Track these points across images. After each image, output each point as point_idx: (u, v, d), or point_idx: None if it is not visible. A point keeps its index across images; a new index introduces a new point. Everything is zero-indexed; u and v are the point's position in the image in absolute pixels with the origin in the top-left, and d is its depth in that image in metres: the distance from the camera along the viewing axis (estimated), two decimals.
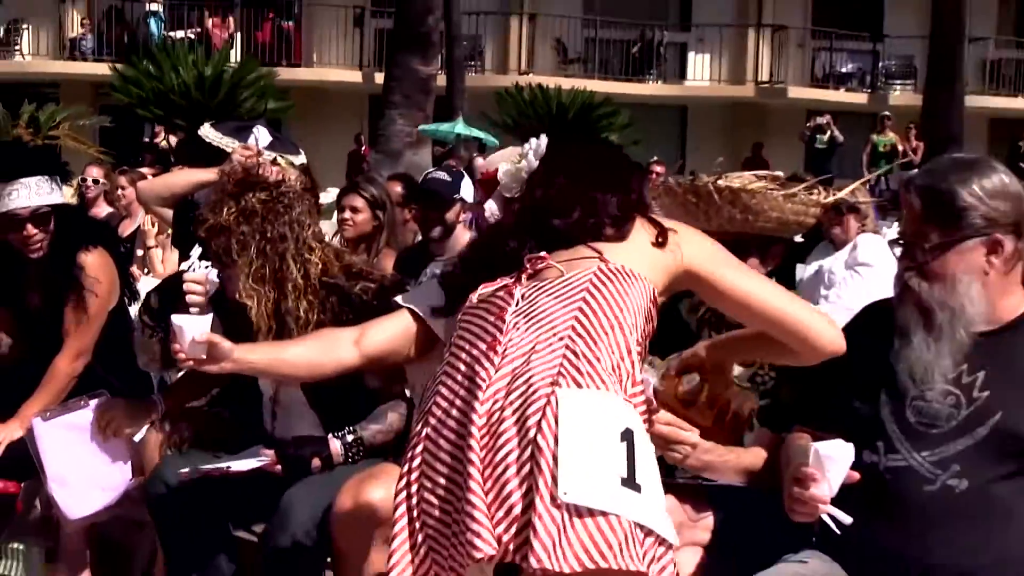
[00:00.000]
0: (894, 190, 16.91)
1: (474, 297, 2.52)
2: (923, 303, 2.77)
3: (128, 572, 4.57)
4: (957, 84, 21.87)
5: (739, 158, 21.38)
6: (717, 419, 2.82)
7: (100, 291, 4.40)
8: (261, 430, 3.92)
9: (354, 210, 5.52)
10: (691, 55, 27.72)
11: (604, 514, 2.13)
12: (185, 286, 3.90)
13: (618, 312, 2.38)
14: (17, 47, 24.45)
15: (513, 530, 2.14)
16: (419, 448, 2.34)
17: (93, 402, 4.12)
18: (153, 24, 23.52)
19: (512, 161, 2.79)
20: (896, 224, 9.93)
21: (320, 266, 3.70)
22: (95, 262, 4.40)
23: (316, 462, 3.61)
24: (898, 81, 27.45)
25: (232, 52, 22.83)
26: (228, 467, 3.65)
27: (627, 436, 2.22)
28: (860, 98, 26.80)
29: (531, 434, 2.18)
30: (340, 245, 5.00)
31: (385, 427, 3.69)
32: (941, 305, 2.76)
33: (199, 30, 24.08)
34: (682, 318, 3.25)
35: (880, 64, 27.91)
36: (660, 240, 2.56)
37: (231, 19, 24.85)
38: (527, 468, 2.17)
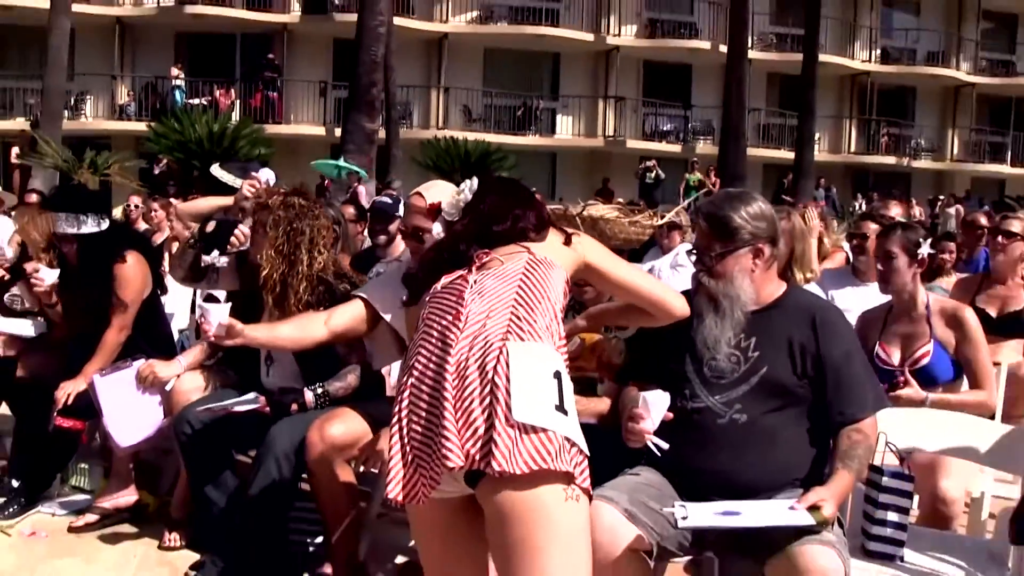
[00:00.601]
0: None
1: (438, 285, 2.50)
2: (711, 293, 2.86)
3: (159, 485, 4.53)
4: (741, 140, 22.20)
5: (593, 190, 21.47)
6: (599, 365, 2.92)
7: (137, 284, 4.42)
8: (257, 382, 3.93)
9: None
10: (559, 116, 27.65)
11: (544, 431, 2.17)
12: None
13: (546, 288, 2.42)
14: (82, 111, 23.91)
15: (478, 445, 2.16)
16: (406, 392, 2.31)
17: (135, 363, 4.16)
18: (177, 94, 23.15)
19: (453, 196, 2.80)
20: None
21: (321, 264, 3.79)
22: (133, 263, 4.41)
23: (294, 407, 3.68)
24: (701, 136, 27.68)
25: (233, 114, 22.68)
26: (232, 407, 3.67)
27: (557, 376, 2.27)
28: (676, 148, 26.98)
29: (489, 375, 2.20)
30: None
31: (345, 385, 3.77)
32: (724, 295, 2.85)
33: (210, 98, 23.73)
34: None
35: (689, 124, 28.07)
36: (567, 241, 2.62)
37: (232, 90, 24.42)
38: (487, 400, 2.18)
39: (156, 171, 18.45)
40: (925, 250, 3.83)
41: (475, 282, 2.43)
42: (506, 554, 2.22)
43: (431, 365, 2.29)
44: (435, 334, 2.35)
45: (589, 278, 2.77)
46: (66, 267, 4.44)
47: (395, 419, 2.31)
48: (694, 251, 2.98)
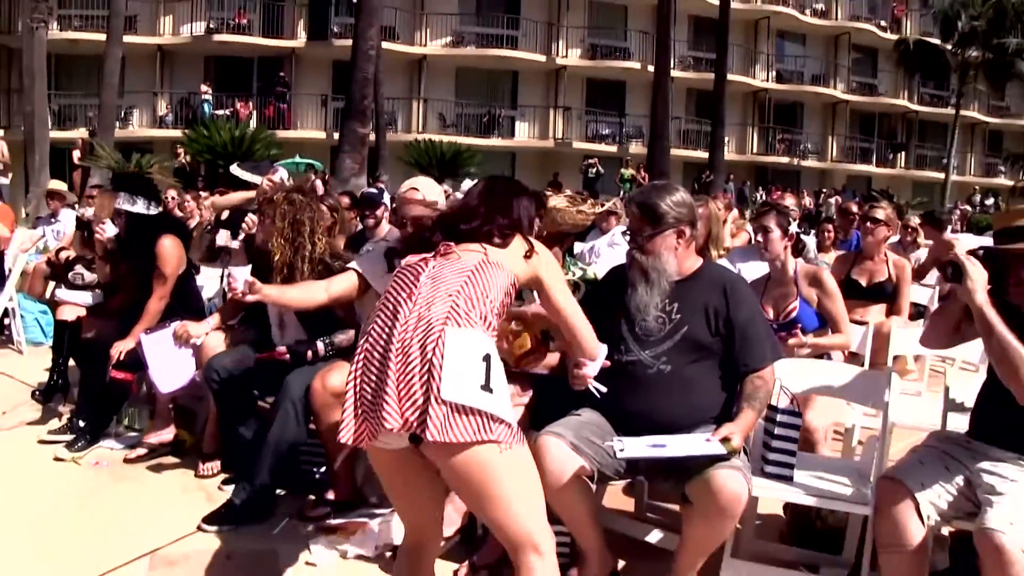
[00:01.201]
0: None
1: (402, 263, 2.44)
2: (643, 267, 2.86)
3: (194, 425, 4.50)
4: (666, 142, 22.12)
5: (545, 183, 21.33)
6: (535, 342, 2.87)
7: (174, 261, 4.42)
8: (269, 339, 3.94)
9: None
10: (517, 123, 27.50)
11: (470, 408, 2.11)
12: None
13: (488, 285, 2.31)
14: (130, 122, 23.87)
15: (416, 413, 2.10)
16: (361, 355, 2.24)
17: (172, 324, 4.17)
18: (206, 107, 22.99)
19: (458, 191, 2.72)
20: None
21: (321, 249, 3.77)
22: (171, 244, 4.41)
23: (309, 354, 3.69)
24: (633, 139, 27.64)
25: (251, 122, 22.55)
26: (259, 356, 3.77)
27: (487, 359, 2.18)
28: (612, 149, 26.95)
29: (429, 356, 2.13)
30: None
31: (347, 336, 3.81)
32: (653, 268, 2.86)
33: (233, 109, 23.64)
34: None
35: (623, 130, 28.05)
36: (527, 254, 2.46)
37: (250, 103, 24.32)
38: (426, 377, 2.11)
39: (176, 164, 18.18)
40: (794, 228, 3.93)
41: (433, 267, 2.34)
42: (465, 494, 2.25)
43: (383, 333, 2.22)
44: (390, 306, 2.28)
45: (537, 291, 2.57)
46: (120, 240, 4.60)
47: (351, 375, 2.25)
48: (628, 233, 2.98)
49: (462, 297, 2.25)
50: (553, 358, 3.26)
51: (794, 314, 3.85)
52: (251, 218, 4.07)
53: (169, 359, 4.09)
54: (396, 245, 2.89)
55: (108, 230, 4.64)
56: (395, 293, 2.31)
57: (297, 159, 16.39)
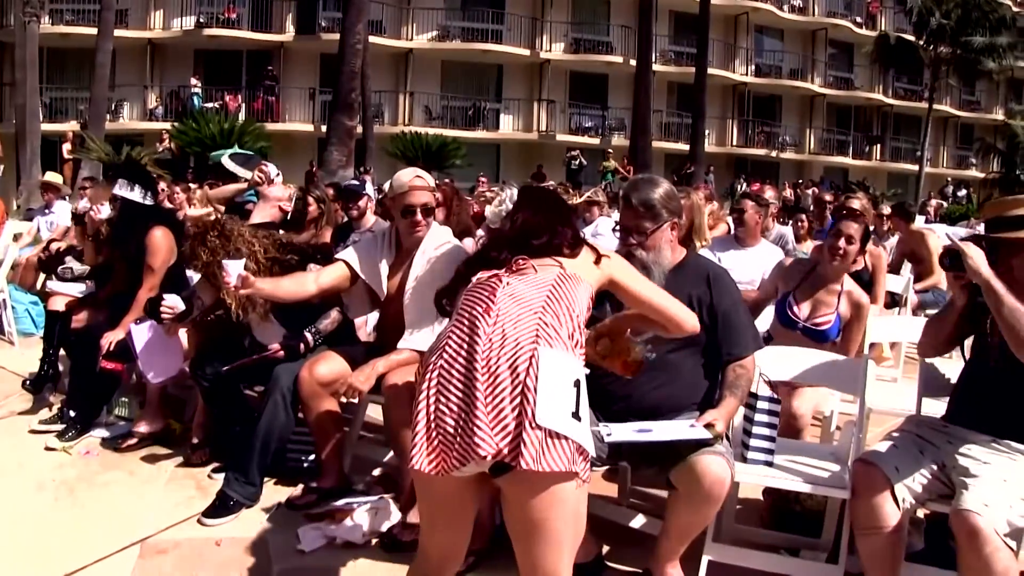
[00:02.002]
0: (615, 192, 17.17)
1: (474, 279, 2.24)
2: (644, 262, 2.79)
3: (184, 414, 4.46)
4: (648, 135, 22.31)
5: (529, 174, 21.35)
6: (624, 365, 2.58)
7: (163, 253, 4.36)
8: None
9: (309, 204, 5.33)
10: (502, 115, 27.44)
11: (562, 436, 1.95)
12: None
13: (571, 301, 2.15)
14: (121, 114, 23.61)
15: (507, 440, 1.93)
16: (435, 373, 2.04)
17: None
18: (195, 100, 22.92)
19: (495, 205, 2.53)
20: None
21: (264, 249, 3.74)
22: (162, 235, 4.36)
23: (301, 347, 3.65)
24: (616, 132, 27.65)
25: (240, 114, 22.48)
26: (252, 359, 3.71)
27: (576, 384, 2.03)
28: (595, 141, 26.93)
29: (521, 377, 1.96)
30: None
31: (330, 320, 3.77)
32: (654, 263, 2.82)
33: (222, 102, 23.45)
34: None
35: (606, 122, 28.06)
36: (597, 260, 2.34)
37: (239, 96, 24.13)
38: (517, 400, 1.95)
39: (160, 149, 18.01)
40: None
41: (508, 283, 2.16)
42: (525, 528, 2.05)
43: (462, 352, 2.04)
44: (465, 324, 2.09)
45: (614, 292, 2.42)
46: (112, 225, 4.56)
47: (422, 396, 2.04)
48: (622, 229, 2.89)
49: (548, 314, 2.10)
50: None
51: (826, 327, 3.78)
52: (176, 303, 3.96)
53: (158, 348, 4.03)
54: (462, 266, 2.57)
55: (103, 211, 4.61)
56: (469, 310, 2.12)
57: (234, 150, 16.39)
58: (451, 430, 1.97)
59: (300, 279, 3.39)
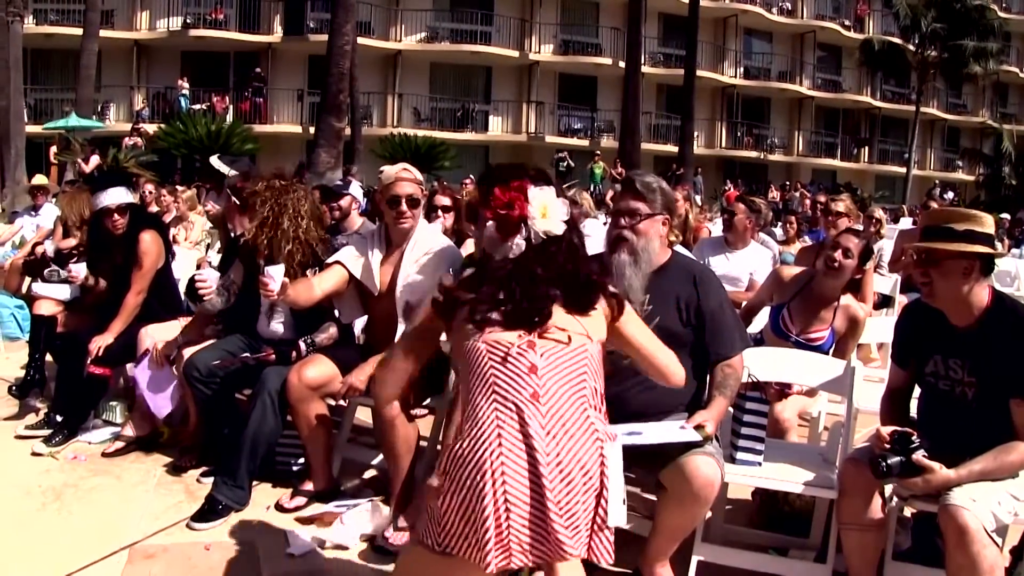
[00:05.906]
0: (602, 193, 17.27)
1: (503, 343, 2.04)
2: (633, 248, 2.80)
3: (172, 419, 4.41)
4: (637, 137, 22.34)
5: None
6: None
7: (152, 256, 4.35)
8: (254, 333, 3.92)
9: None
10: (491, 117, 27.48)
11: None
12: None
13: (599, 370, 2.12)
14: (107, 116, 23.42)
15: (579, 537, 1.95)
16: (497, 463, 1.92)
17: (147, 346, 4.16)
18: (183, 101, 22.72)
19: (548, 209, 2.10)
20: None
21: (305, 230, 3.75)
22: (150, 238, 4.35)
23: (294, 354, 3.65)
24: (605, 134, 27.72)
25: (228, 116, 22.46)
26: (247, 360, 3.73)
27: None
28: (584, 143, 27.00)
29: (593, 478, 1.96)
30: None
31: (328, 336, 3.77)
32: (642, 249, 2.81)
33: (209, 103, 23.34)
34: None
35: (595, 124, 28.13)
36: (615, 317, 2.22)
37: (227, 97, 24.04)
38: (589, 503, 1.96)
39: (131, 142, 17.89)
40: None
41: (544, 355, 2.03)
42: None
43: (517, 443, 1.94)
44: (511, 407, 1.97)
45: (614, 340, 2.27)
46: (98, 237, 4.46)
47: (487, 489, 1.92)
48: (616, 213, 2.90)
49: (588, 389, 2.05)
50: None
51: (819, 342, 3.77)
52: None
53: (156, 382, 4.06)
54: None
55: (79, 272, 4.35)
56: (512, 390, 2.00)
57: (69, 122, 16.70)
58: (524, 528, 1.93)
59: (308, 284, 3.45)
